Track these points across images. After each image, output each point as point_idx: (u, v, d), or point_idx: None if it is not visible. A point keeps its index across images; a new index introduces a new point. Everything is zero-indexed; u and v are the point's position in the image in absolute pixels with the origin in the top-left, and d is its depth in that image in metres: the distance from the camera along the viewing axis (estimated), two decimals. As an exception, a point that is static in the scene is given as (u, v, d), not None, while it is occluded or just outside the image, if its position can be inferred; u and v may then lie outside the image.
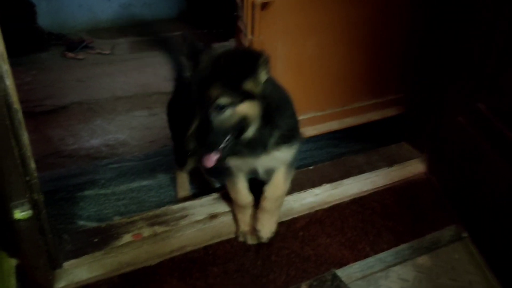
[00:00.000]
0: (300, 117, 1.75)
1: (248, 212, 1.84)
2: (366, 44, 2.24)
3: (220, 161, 1.48)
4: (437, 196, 2.13)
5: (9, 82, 1.27)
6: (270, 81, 1.49)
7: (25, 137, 1.34)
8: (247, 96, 1.41)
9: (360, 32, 2.19)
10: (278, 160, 1.67)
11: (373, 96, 2.42)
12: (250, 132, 1.49)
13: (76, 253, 1.69)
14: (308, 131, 2.27)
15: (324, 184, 2.10)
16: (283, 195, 1.81)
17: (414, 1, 2.21)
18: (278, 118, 1.55)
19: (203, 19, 4.78)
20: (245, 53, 1.51)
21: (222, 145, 1.45)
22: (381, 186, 2.16)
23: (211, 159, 1.46)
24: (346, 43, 2.18)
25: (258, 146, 1.57)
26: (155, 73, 3.86)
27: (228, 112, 1.41)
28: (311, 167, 2.23)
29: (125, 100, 3.47)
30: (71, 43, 4.42)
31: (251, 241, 1.82)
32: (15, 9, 3.85)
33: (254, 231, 1.83)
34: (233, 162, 1.66)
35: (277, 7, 1.93)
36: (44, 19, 4.45)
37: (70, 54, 4.25)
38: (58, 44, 4.44)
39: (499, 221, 1.76)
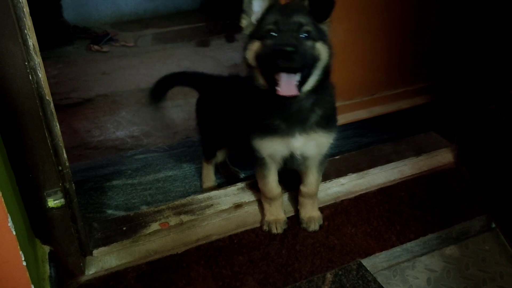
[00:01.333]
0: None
1: (275, 203, 1.85)
2: (397, 30, 2.19)
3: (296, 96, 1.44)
4: (466, 186, 2.08)
5: (41, 74, 1.30)
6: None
7: (57, 128, 1.38)
8: (322, 36, 1.48)
9: (391, 17, 2.14)
10: (315, 145, 1.65)
11: (403, 84, 2.37)
12: (310, 82, 1.49)
13: (106, 241, 1.73)
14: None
15: (350, 174, 2.08)
16: (317, 188, 1.86)
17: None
18: (323, 93, 1.57)
19: (225, 10, 4.78)
20: None
21: (298, 79, 1.43)
22: (408, 176, 2.12)
23: (292, 86, 1.41)
24: (378, 28, 2.14)
25: (297, 121, 1.57)
26: (178, 64, 3.89)
27: (309, 43, 1.44)
28: (337, 157, 2.21)
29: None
30: (95, 36, 4.50)
31: (275, 230, 1.82)
32: (41, 4, 3.92)
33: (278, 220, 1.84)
34: (270, 147, 1.64)
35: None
36: (69, 13, 4.55)
37: (95, 47, 4.33)
38: (83, 38, 4.53)
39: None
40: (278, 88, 1.40)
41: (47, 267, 1.47)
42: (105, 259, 1.68)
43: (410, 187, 2.06)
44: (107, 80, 3.75)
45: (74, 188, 1.52)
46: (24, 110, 1.29)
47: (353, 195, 2.01)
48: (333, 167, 2.10)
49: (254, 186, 1.96)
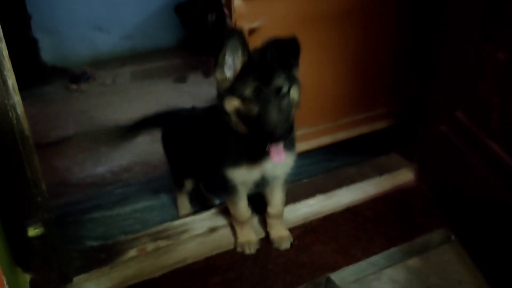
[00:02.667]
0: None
1: (246, 226, 1.96)
2: (355, 61, 2.36)
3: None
4: (426, 202, 2.22)
5: (20, 111, 1.42)
6: None
7: (36, 160, 1.48)
8: (294, 80, 1.58)
9: (349, 50, 2.31)
10: (283, 165, 1.75)
11: (364, 110, 2.52)
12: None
13: (85, 269, 1.79)
14: (301, 146, 2.34)
15: (318, 195, 2.20)
16: (283, 208, 1.98)
17: (399, 19, 2.34)
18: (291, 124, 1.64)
19: (202, 46, 4.94)
20: (290, 41, 1.57)
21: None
22: (372, 195, 2.26)
23: (282, 153, 1.54)
24: (336, 61, 2.30)
25: (261, 150, 1.64)
26: (156, 101, 3.99)
27: (286, 101, 1.53)
28: (305, 180, 2.34)
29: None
30: (74, 75, 4.59)
31: (249, 251, 1.92)
32: (19, 45, 4.02)
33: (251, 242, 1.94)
34: (244, 174, 1.74)
35: (265, 31, 2.06)
36: (47, 54, 4.65)
37: (74, 86, 4.42)
38: (62, 77, 4.62)
39: (484, 223, 1.85)
40: (270, 155, 1.54)
41: (28, 294, 1.53)
42: (84, 286, 1.74)
43: (375, 206, 2.20)
44: (86, 118, 3.82)
45: (53, 218, 1.60)
46: (4, 144, 1.39)
47: (321, 215, 2.13)
48: (301, 190, 2.23)
49: (228, 210, 2.05)
